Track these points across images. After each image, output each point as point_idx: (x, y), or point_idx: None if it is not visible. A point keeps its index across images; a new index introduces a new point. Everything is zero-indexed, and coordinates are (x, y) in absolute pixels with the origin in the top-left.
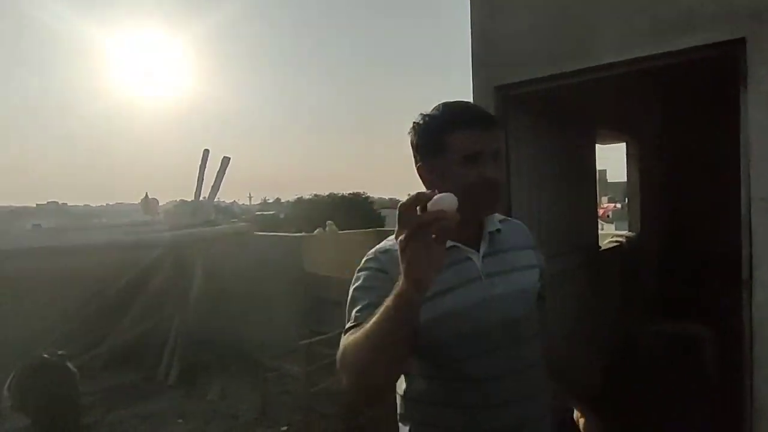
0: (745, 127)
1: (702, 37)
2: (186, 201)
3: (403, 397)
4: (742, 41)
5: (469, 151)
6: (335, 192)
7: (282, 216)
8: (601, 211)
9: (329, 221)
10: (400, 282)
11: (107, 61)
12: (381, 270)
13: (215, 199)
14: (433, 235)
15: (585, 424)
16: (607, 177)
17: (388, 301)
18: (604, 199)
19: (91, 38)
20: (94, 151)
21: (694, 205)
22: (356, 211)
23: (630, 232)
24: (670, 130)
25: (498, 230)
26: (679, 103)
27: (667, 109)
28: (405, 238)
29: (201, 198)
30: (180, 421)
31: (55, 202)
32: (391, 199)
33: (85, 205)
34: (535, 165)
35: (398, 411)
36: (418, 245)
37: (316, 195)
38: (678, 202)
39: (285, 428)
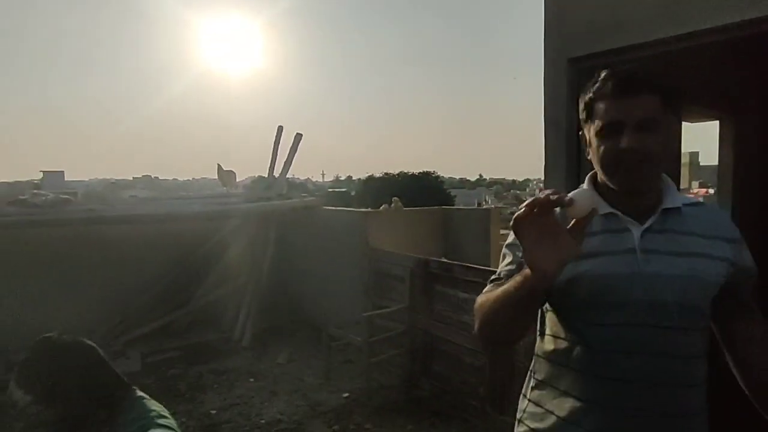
0: None
1: None
2: (264, 177)
3: (534, 352)
4: None
5: (607, 120)
6: (405, 171)
7: (353, 193)
8: (690, 197)
9: (395, 198)
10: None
11: (196, 44)
12: None
13: (290, 176)
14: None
15: None
16: (699, 160)
17: (516, 277)
18: (695, 183)
19: (184, 22)
20: (182, 129)
21: None
22: (426, 190)
23: None
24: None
25: (678, 209)
26: None
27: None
28: (513, 223)
29: (274, 173)
30: (251, 380)
31: (148, 175)
32: (461, 179)
33: (173, 178)
34: None
35: (531, 366)
36: (529, 231)
37: (386, 173)
38: None
39: (347, 395)
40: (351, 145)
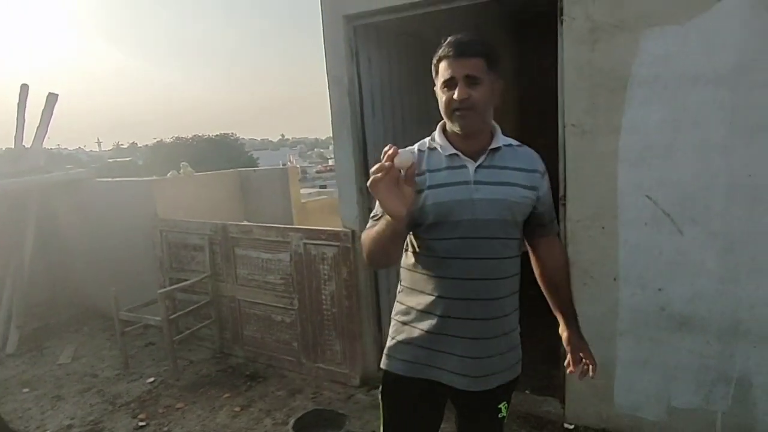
0: (560, 61)
1: None
2: (12, 149)
3: (401, 265)
4: None
5: (443, 77)
6: (200, 134)
7: (140, 162)
8: (511, 139)
9: (183, 162)
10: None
11: None
12: None
13: (53, 146)
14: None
15: (567, 335)
16: None
17: (381, 220)
18: None
19: None
20: None
21: (538, 135)
22: (225, 153)
23: None
24: (518, 64)
25: (500, 148)
26: (526, 38)
27: (516, 44)
28: (369, 184)
29: (24, 143)
30: (26, 390)
31: None
32: (263, 140)
33: None
34: (388, 95)
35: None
36: (381, 189)
37: (178, 138)
38: (523, 133)
39: (152, 380)
40: (135, 108)
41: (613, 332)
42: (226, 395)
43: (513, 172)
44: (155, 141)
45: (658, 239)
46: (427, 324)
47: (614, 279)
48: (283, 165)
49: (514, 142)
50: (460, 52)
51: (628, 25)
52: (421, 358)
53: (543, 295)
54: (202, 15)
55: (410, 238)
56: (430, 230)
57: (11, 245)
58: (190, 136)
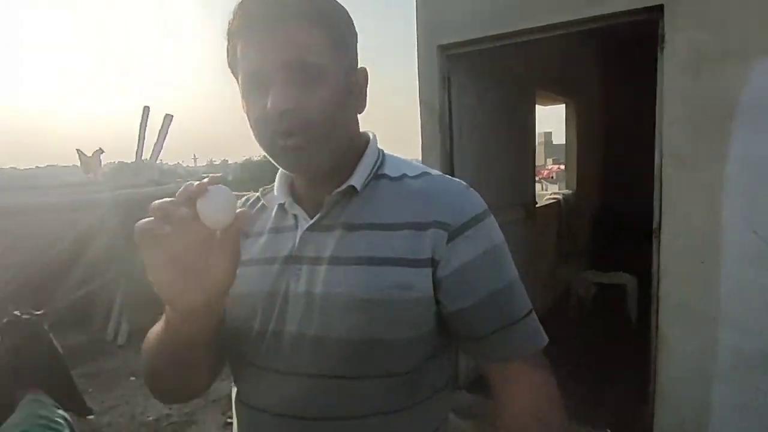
0: (660, 90)
1: (626, 2)
2: (125, 163)
3: None
4: (660, 8)
5: (249, 70)
6: None
7: (230, 178)
8: (545, 173)
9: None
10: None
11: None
12: None
13: (159, 161)
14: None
15: None
16: (553, 139)
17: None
18: (550, 160)
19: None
20: (17, 113)
21: (626, 164)
22: None
23: (567, 190)
24: (606, 93)
25: (354, 188)
26: (615, 66)
27: (605, 72)
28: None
29: (142, 158)
30: (133, 378)
31: None
32: None
33: (11, 167)
34: (477, 122)
35: None
36: (164, 255)
37: (266, 156)
38: (611, 162)
39: None
40: (225, 126)
41: (709, 374)
42: None
43: (385, 232)
44: (244, 159)
45: (763, 278)
46: None
47: (713, 318)
48: None
49: (413, 171)
50: (273, 14)
51: (735, 54)
52: None
53: (627, 323)
54: None
55: None
56: (228, 347)
57: (128, 249)
58: None
